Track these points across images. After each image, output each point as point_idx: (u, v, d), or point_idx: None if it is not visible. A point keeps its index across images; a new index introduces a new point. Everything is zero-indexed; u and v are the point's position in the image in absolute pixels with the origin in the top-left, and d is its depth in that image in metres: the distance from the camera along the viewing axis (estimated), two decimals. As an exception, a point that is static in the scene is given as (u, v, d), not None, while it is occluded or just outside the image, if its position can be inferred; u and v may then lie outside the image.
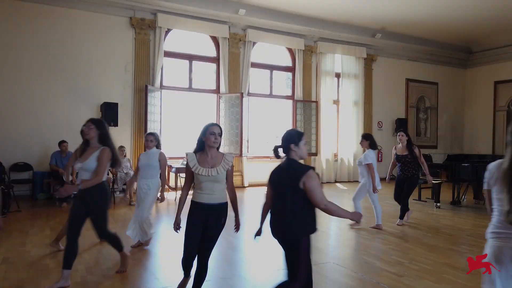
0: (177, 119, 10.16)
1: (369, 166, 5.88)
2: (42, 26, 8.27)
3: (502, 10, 10.66)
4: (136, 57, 9.06)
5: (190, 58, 9.90)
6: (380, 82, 12.89)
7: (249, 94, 10.58)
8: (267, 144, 12.22)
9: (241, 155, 9.74)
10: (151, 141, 4.79)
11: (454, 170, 7.55)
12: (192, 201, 3.11)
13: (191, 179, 3.12)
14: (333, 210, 2.58)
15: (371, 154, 5.93)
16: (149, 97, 8.92)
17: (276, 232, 2.65)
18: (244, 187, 10.21)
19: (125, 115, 8.91)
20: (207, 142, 3.05)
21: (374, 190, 5.88)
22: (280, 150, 2.76)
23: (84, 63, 8.64)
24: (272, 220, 2.69)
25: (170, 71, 9.72)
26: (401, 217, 6.28)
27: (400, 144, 6.42)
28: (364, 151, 6.15)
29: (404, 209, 6.27)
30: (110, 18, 8.88)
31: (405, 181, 6.25)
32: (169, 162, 8.63)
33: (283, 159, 2.75)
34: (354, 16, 11.14)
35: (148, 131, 8.68)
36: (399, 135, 6.48)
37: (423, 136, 13.97)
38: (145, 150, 5.00)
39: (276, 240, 2.67)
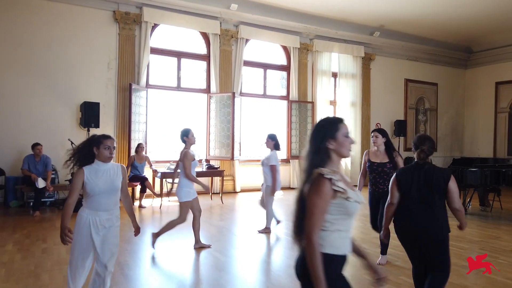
0: (165, 120, 9.57)
1: (272, 168, 5.67)
2: (16, 18, 7.64)
3: (503, 8, 10.22)
4: (120, 53, 8.46)
5: (179, 55, 9.31)
6: (378, 82, 12.39)
7: (241, 94, 10.02)
8: (262, 146, 11.68)
9: (232, 158, 9.16)
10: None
11: (461, 175, 7.04)
12: None
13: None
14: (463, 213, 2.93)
15: (275, 155, 5.81)
16: (133, 97, 8.32)
17: (419, 231, 2.77)
18: (236, 192, 9.63)
19: (107, 116, 8.31)
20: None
21: (273, 193, 5.71)
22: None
23: (63, 59, 8.02)
24: (409, 219, 2.81)
25: (157, 69, 9.12)
26: (383, 252, 4.40)
27: (376, 148, 4.48)
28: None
29: (386, 244, 4.32)
30: (92, 11, 8.27)
31: (382, 199, 4.11)
32: (154, 167, 8.05)
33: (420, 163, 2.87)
34: (351, 13, 10.63)
35: (133, 133, 8.11)
36: (372, 136, 4.52)
37: (423, 139, 13.44)
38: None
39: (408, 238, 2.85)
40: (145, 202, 7.88)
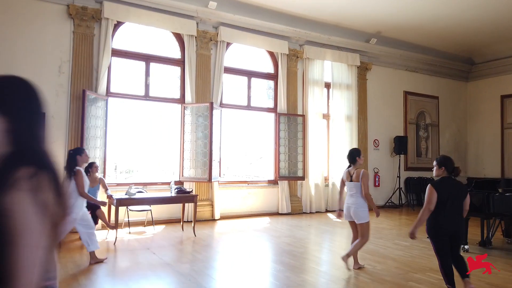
0: (130, 135, 8.16)
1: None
2: None
3: (507, 15, 9.23)
4: (75, 55, 7.09)
5: (147, 59, 7.98)
6: (375, 95, 11.21)
7: (222, 105, 8.69)
8: (251, 165, 10.31)
9: (210, 180, 7.73)
10: None
11: (486, 201, 5.71)
12: None
13: None
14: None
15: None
16: (89, 107, 6.92)
17: (453, 228, 3.65)
18: (215, 220, 8.15)
19: (58, 129, 6.87)
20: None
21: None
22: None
23: (4, 59, 6.61)
24: (448, 221, 3.62)
25: (121, 74, 7.76)
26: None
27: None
28: None
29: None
30: (41, 4, 6.92)
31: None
32: (111, 191, 6.60)
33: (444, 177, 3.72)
34: (346, 17, 9.50)
35: (85, 147, 6.66)
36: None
37: (424, 157, 12.25)
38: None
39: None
40: (98, 235, 6.37)
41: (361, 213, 4.64)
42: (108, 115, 7.34)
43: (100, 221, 6.31)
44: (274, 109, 9.55)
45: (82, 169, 4.76)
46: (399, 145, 11.03)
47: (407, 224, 8.13)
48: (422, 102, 12.29)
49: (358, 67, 10.68)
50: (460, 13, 9.25)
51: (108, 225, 6.11)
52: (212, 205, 8.21)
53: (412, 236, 3.71)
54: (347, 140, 10.31)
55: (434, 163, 3.85)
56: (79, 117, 6.87)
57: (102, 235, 6.43)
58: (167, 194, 6.82)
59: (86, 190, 4.72)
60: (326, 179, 10.04)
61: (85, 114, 6.74)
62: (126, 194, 6.21)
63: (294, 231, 7.13)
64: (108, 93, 7.47)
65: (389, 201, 11.02)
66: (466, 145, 13.21)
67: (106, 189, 6.35)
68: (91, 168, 6.21)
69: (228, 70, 8.89)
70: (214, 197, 8.21)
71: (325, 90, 10.34)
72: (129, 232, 6.75)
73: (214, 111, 8.12)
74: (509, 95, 12.04)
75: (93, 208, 6.03)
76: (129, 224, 6.94)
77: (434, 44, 11.58)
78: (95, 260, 4.82)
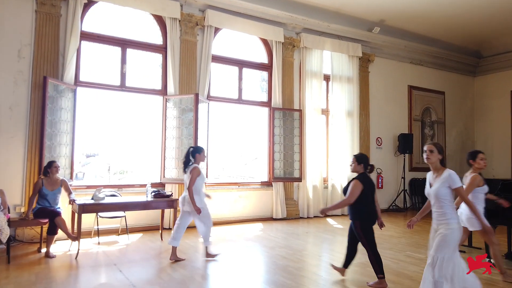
0: (106, 130, 7.21)
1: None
2: None
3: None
4: (38, 38, 6.13)
5: (124, 44, 7.04)
6: (378, 89, 10.33)
7: (209, 98, 7.78)
8: (245, 165, 9.41)
9: (194, 181, 6.78)
10: None
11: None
12: None
13: None
14: None
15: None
16: (55, 97, 5.98)
17: (375, 219, 4.04)
18: (201, 226, 7.22)
19: (17, 122, 5.93)
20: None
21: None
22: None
23: (-50, 42, 5.66)
24: (374, 213, 4.00)
25: (92, 61, 6.81)
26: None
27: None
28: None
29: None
30: (-3, -21, 5.98)
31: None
32: (75, 195, 5.66)
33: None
34: (347, 3, 8.64)
35: (48, 147, 5.74)
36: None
37: (430, 156, 11.35)
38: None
39: None
40: (57, 248, 5.44)
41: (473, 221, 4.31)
42: (76, 107, 6.39)
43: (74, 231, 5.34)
44: (268, 103, 8.64)
45: (198, 166, 4.88)
46: (404, 143, 10.15)
47: (417, 231, 7.24)
48: (427, 98, 11.43)
49: (359, 59, 9.80)
50: (468, 2, 8.43)
51: (69, 236, 5.16)
52: (197, 210, 7.27)
53: (323, 213, 4.07)
54: (348, 137, 9.43)
55: (353, 159, 4.04)
56: (40, 109, 5.91)
57: (64, 247, 5.48)
58: (143, 198, 5.87)
59: (201, 189, 4.90)
60: (325, 180, 9.14)
61: (46, 106, 5.79)
62: (92, 199, 5.26)
63: (290, 241, 6.21)
64: (77, 82, 6.52)
65: (393, 204, 10.14)
66: (473, 144, 12.36)
67: (69, 193, 5.39)
68: (50, 168, 5.27)
69: (217, 59, 7.98)
70: (199, 201, 7.27)
71: (324, 83, 9.45)
72: (98, 243, 5.81)
73: (201, 105, 7.20)
74: (521, 90, 11.22)
75: (51, 215, 5.08)
76: (98, 233, 5.99)
77: (441, 35, 10.73)
78: (208, 256, 4.99)
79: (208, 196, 5.24)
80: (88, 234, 6.12)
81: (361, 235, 3.93)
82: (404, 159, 10.34)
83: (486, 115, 12.17)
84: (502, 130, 11.65)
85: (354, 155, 4.10)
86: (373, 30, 9.76)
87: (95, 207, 5.11)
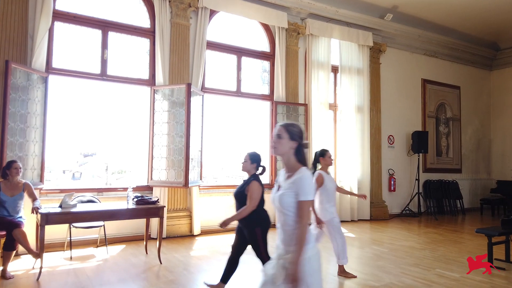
0: (83, 126, 6.32)
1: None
2: None
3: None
4: (2, 17, 5.23)
5: (105, 27, 6.13)
6: (389, 82, 9.44)
7: (204, 89, 6.88)
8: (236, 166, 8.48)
9: (186, 184, 5.89)
10: None
11: None
12: None
13: None
14: None
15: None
16: (20, 86, 5.07)
17: None
18: (194, 236, 6.33)
19: (-25, 116, 5.02)
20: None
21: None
22: None
23: None
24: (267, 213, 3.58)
25: (66, 46, 5.89)
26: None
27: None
28: None
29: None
30: None
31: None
32: (40, 202, 4.75)
33: None
34: (358, -16, 7.75)
35: (11, 144, 4.84)
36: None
37: (445, 156, 10.50)
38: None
39: None
40: (18, 265, 4.54)
41: None
42: (48, 99, 5.49)
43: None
44: (270, 97, 7.75)
45: (323, 173, 4.31)
46: (419, 142, 9.26)
47: (439, 241, 6.36)
48: (442, 93, 10.55)
49: (370, 49, 8.91)
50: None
51: (30, 252, 4.25)
52: (190, 217, 6.38)
53: (224, 225, 3.44)
54: (357, 135, 8.54)
55: (246, 156, 3.64)
56: (1, 99, 5.00)
57: (28, 263, 4.58)
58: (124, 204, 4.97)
59: (332, 197, 4.29)
60: (333, 182, 8.23)
61: (8, 95, 4.88)
62: (60, 206, 4.36)
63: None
64: (49, 69, 5.61)
65: (406, 208, 9.25)
66: (490, 143, 11.49)
67: (33, 199, 4.49)
68: (9, 169, 4.38)
69: (213, 46, 7.09)
70: (193, 206, 6.38)
71: (332, 74, 8.57)
72: (71, 258, 4.91)
73: (194, 97, 6.31)
74: (543, 84, 10.35)
75: (9, 226, 4.18)
76: (71, 245, 5.08)
77: (457, 24, 9.85)
78: (344, 274, 4.32)
79: (362, 196, 4.82)
80: (61, 246, 5.23)
81: (260, 244, 3.44)
82: (418, 159, 9.45)
83: (504, 112, 11.30)
84: (521, 127, 10.79)
85: (248, 153, 3.66)
86: (385, 17, 8.87)
87: (62, 217, 4.20)
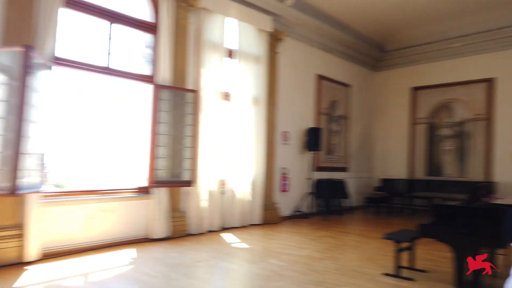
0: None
1: None
2: None
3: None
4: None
5: None
6: (286, 74, 8.78)
7: (57, 60, 5.08)
8: (113, 164, 6.88)
9: (13, 191, 4.11)
10: None
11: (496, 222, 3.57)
12: None
13: None
14: None
15: None
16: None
17: None
18: (24, 263, 4.55)
19: None
20: None
21: None
22: None
23: None
24: None
25: None
26: None
27: None
28: None
29: None
30: None
31: None
32: None
33: None
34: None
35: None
36: None
37: (335, 155, 10.40)
38: None
39: None
40: None
41: None
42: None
43: None
44: (151, 79, 6.29)
45: None
46: (314, 139, 8.85)
47: (336, 246, 5.79)
48: (335, 90, 10.39)
49: (269, 35, 8.07)
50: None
51: None
52: (21, 237, 4.56)
53: None
54: (253, 130, 7.67)
55: None
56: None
57: None
58: None
59: None
60: (223, 183, 7.19)
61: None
62: None
63: (173, 281, 4.08)
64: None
65: (298, 210, 8.77)
66: (373, 142, 11.88)
67: None
68: None
69: (72, 4, 5.30)
70: (28, 221, 4.59)
71: (228, 59, 7.46)
72: None
73: (42, 70, 4.50)
74: (421, 87, 10.96)
75: None
76: None
77: (353, 21, 9.77)
78: None
79: None
80: None
81: None
82: (313, 157, 9.06)
83: (386, 113, 11.76)
84: (401, 127, 11.32)
85: None
86: (286, 0, 8.11)
87: None
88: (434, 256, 5.30)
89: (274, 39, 8.24)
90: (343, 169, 10.58)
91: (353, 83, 11.02)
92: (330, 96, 10.18)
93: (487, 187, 8.39)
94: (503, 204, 3.95)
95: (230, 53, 7.47)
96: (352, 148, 11.08)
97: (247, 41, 7.62)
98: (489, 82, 9.67)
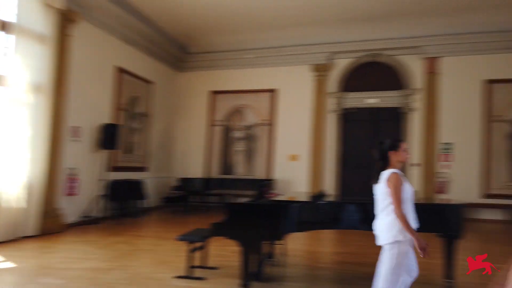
0: None
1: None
2: None
3: (223, 5, 8.64)
4: None
5: None
6: (80, 62, 7.76)
7: None
8: None
9: None
10: None
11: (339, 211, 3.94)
12: None
13: None
14: None
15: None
16: None
17: None
18: None
19: None
20: None
21: None
22: None
23: None
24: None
25: None
26: None
27: None
28: None
29: None
30: None
31: None
32: None
33: None
34: None
35: None
36: None
37: (134, 154, 9.89)
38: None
39: None
40: None
41: None
42: None
43: None
44: None
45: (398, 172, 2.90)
46: (110, 136, 8.13)
47: (129, 252, 5.40)
48: (137, 86, 9.90)
49: (60, 14, 6.93)
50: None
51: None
52: None
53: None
54: (30, 123, 6.40)
55: None
56: None
57: None
58: None
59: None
60: (-14, 187, 5.68)
61: None
62: None
63: None
64: None
65: (87, 215, 7.86)
66: (173, 142, 11.94)
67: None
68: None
69: None
70: None
71: (0, 33, 5.97)
72: None
73: None
74: (219, 91, 11.71)
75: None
76: None
77: (157, 17, 9.52)
78: None
79: None
80: None
81: None
82: (109, 156, 8.32)
83: (187, 113, 12.04)
84: (200, 128, 11.81)
85: None
86: (82, -20, 7.16)
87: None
88: (226, 251, 5.61)
89: (65, 19, 7.13)
90: (142, 169, 10.18)
91: (156, 81, 10.77)
92: (131, 91, 9.63)
93: (269, 184, 9.66)
94: (282, 200, 4.50)
95: (4, 26, 6.01)
96: (153, 147, 10.81)
97: (27, 13, 6.31)
98: (272, 92, 11.18)
